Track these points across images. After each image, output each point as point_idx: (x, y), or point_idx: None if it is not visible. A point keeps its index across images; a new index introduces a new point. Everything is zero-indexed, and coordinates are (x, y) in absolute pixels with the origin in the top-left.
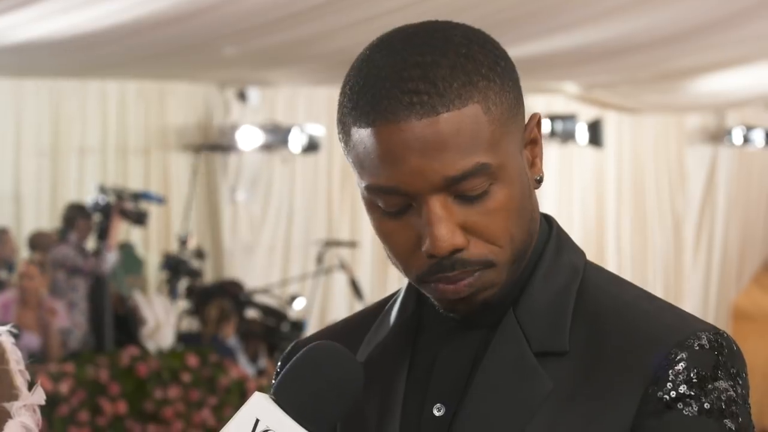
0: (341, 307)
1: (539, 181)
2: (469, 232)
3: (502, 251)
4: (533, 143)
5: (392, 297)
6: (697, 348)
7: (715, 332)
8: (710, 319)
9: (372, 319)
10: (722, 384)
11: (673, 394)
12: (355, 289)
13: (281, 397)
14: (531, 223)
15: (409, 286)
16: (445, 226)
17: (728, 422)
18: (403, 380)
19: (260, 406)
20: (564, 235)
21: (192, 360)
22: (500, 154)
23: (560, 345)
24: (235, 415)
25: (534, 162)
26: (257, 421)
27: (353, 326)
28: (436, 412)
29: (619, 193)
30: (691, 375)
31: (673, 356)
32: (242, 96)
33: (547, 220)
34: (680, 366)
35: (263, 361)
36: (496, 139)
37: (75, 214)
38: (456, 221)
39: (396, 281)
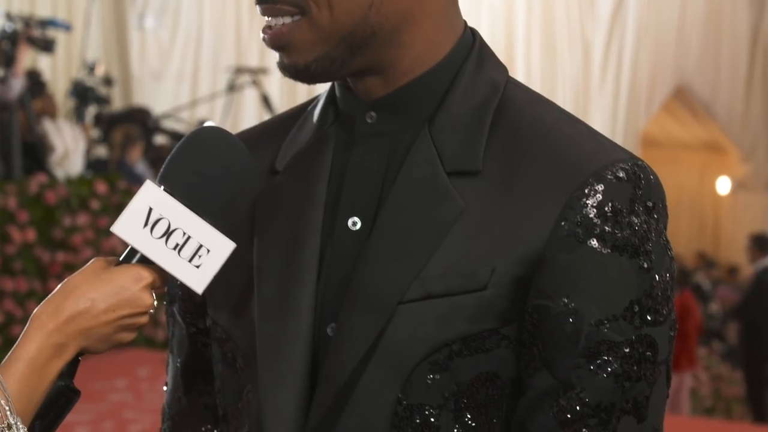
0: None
1: None
2: None
3: (319, 9)
4: None
5: (313, 101)
6: (614, 180)
7: (633, 163)
8: None
9: (291, 123)
10: (636, 219)
11: (587, 228)
12: (267, 104)
13: (169, 184)
14: (371, 12)
15: (329, 93)
16: None
17: (641, 259)
18: (323, 189)
19: (152, 194)
20: (487, 50)
21: (101, 187)
22: None
23: (473, 164)
24: (128, 206)
25: None
26: (150, 209)
27: (270, 132)
28: (351, 227)
29: (529, 17)
30: (606, 209)
31: (589, 187)
32: None
33: (473, 33)
34: (596, 198)
35: None
36: None
37: None
38: None
39: (305, 95)
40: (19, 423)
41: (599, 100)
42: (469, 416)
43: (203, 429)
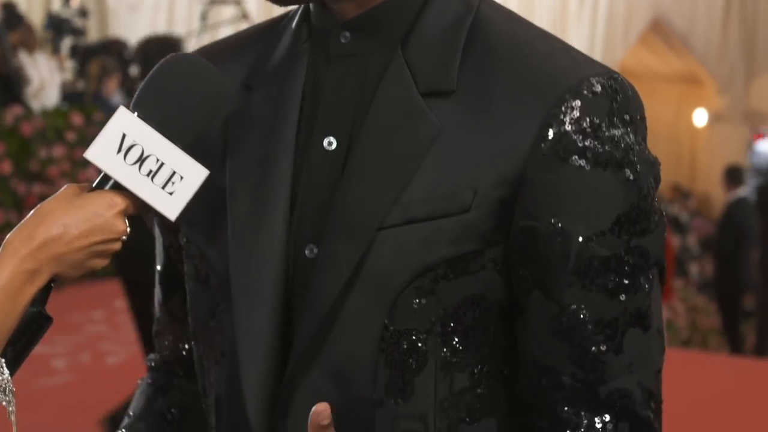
0: None
1: None
2: None
3: None
4: None
5: (286, 16)
6: (590, 95)
7: (609, 76)
8: None
9: (263, 37)
10: (617, 132)
11: (567, 145)
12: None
13: (143, 110)
14: None
15: (304, 9)
16: None
17: (626, 172)
18: (296, 109)
19: (125, 120)
20: None
21: (77, 119)
22: None
23: (447, 84)
24: (101, 131)
25: None
26: (123, 135)
27: (242, 45)
28: (327, 147)
29: None
30: (584, 124)
31: (565, 103)
32: None
33: None
34: (573, 114)
35: None
36: None
37: None
38: None
39: None
40: None
41: (576, 32)
42: (456, 339)
43: (183, 334)
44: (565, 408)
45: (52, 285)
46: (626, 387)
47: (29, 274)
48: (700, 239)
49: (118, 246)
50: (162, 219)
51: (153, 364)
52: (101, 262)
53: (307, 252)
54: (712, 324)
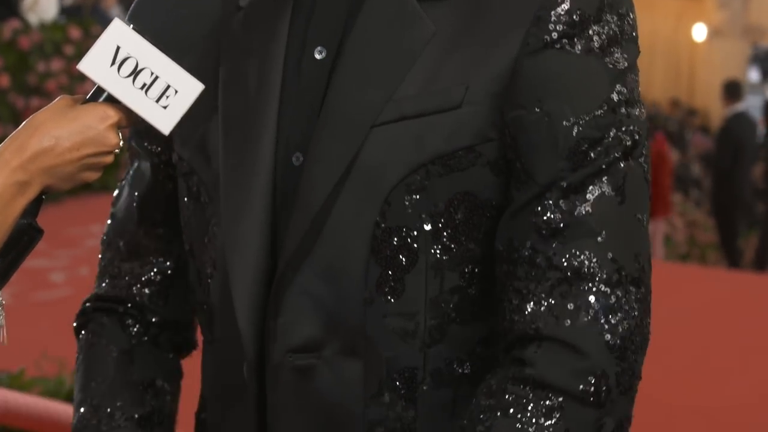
0: None
1: None
2: None
3: None
4: None
5: None
6: None
7: None
8: None
9: None
10: (605, 24)
11: (554, 35)
12: None
13: (138, 23)
14: None
15: None
16: None
17: (613, 59)
18: (286, 24)
19: (120, 32)
20: None
21: (75, 32)
22: None
23: None
24: (95, 43)
25: None
26: (118, 48)
27: None
28: (317, 56)
29: None
30: (574, 17)
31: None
32: None
33: None
34: (562, 8)
35: None
36: None
37: None
38: None
39: None
40: None
41: None
42: (446, 237)
43: (153, 259)
44: (518, 284)
45: (43, 197)
46: (588, 254)
47: (20, 186)
48: (699, 154)
49: (110, 159)
50: (151, 136)
51: (102, 301)
52: (93, 175)
53: (293, 160)
54: (711, 239)
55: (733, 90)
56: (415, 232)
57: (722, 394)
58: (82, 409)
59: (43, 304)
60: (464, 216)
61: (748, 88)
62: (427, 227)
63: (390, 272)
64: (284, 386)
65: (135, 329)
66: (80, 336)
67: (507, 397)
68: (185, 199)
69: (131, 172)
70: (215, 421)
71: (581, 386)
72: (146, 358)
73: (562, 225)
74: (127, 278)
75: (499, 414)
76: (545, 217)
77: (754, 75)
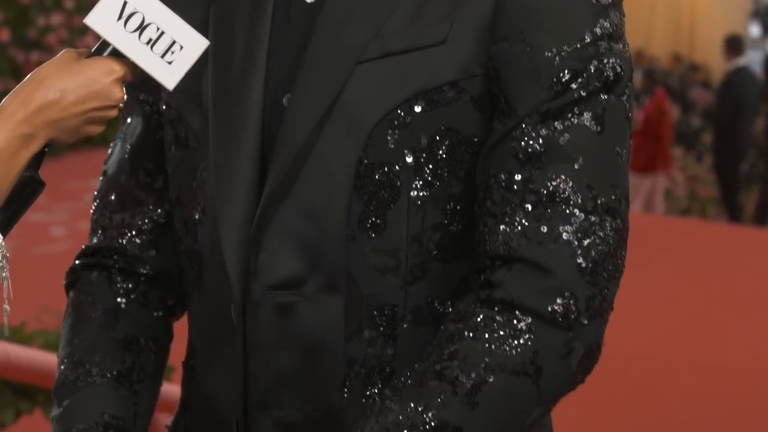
0: None
1: None
2: None
3: None
4: None
5: None
6: None
7: None
8: None
9: None
10: None
11: None
12: None
13: None
14: None
15: None
16: None
17: None
18: None
19: None
20: None
21: None
22: None
23: None
24: None
25: None
26: (124, 2)
27: None
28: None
29: None
30: None
31: None
32: None
33: None
34: None
35: None
36: None
37: None
38: None
39: None
40: None
41: None
42: (428, 173)
43: (144, 209)
44: (494, 208)
45: (46, 150)
46: (565, 179)
47: (24, 138)
48: (700, 109)
49: (114, 113)
50: (142, 86)
51: (92, 254)
52: (97, 129)
53: (284, 101)
54: (711, 194)
55: (734, 44)
56: (397, 168)
57: (722, 349)
58: (62, 366)
59: (44, 258)
60: (447, 152)
61: (749, 43)
62: (410, 162)
63: (372, 208)
64: (265, 323)
65: (123, 286)
66: (69, 294)
67: (475, 319)
68: (172, 147)
69: (125, 127)
70: (203, 367)
71: (550, 306)
72: (132, 316)
73: (539, 150)
74: (118, 228)
75: (467, 335)
76: (523, 143)
77: (755, 30)
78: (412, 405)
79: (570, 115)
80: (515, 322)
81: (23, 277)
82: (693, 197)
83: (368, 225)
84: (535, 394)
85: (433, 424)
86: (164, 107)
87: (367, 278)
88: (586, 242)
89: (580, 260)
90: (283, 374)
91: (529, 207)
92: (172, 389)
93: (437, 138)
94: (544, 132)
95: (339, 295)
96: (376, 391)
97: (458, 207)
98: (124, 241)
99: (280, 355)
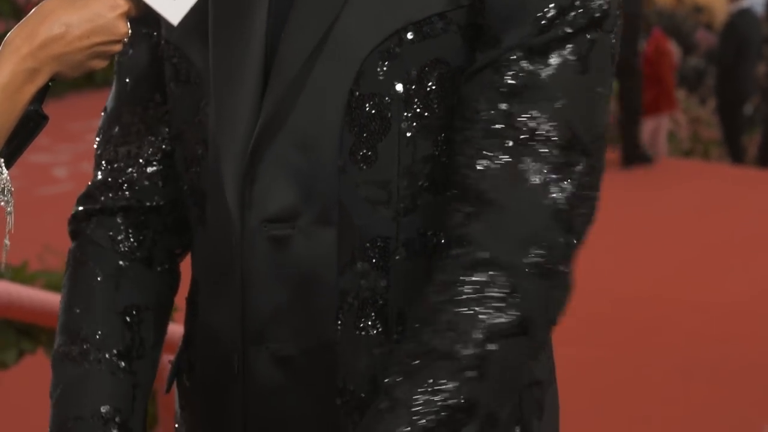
0: None
1: None
2: None
3: None
4: None
5: None
6: None
7: None
8: None
9: None
10: None
11: None
12: None
13: None
14: None
15: None
16: None
17: None
18: None
19: None
20: None
21: None
22: None
23: None
24: None
25: None
26: None
27: None
28: None
29: None
30: None
31: None
32: None
33: None
34: None
35: None
36: None
37: None
38: None
39: None
40: None
41: None
42: (419, 104)
43: (150, 139)
44: (473, 140)
45: (50, 84)
46: (544, 117)
47: (29, 73)
48: (703, 51)
49: (119, 48)
50: (145, 21)
51: (98, 194)
52: (101, 63)
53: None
54: (714, 135)
55: None
56: (388, 99)
57: (723, 290)
58: (62, 335)
59: (46, 199)
60: (436, 83)
61: None
62: (400, 94)
63: (363, 140)
64: (261, 256)
65: (127, 243)
66: (72, 245)
67: (460, 288)
68: (171, 84)
69: (123, 61)
70: (206, 303)
71: (526, 259)
72: (133, 280)
73: (521, 85)
74: (124, 160)
75: (456, 308)
76: (505, 77)
77: None
78: (420, 392)
79: (554, 52)
80: (498, 283)
81: (26, 217)
82: (696, 139)
83: (359, 157)
84: (529, 348)
85: (448, 403)
86: (162, 43)
87: (359, 210)
88: (563, 184)
89: (555, 203)
90: (278, 307)
91: (510, 143)
92: (175, 329)
93: (426, 69)
94: (527, 67)
95: (332, 228)
96: (369, 323)
97: (448, 137)
98: (132, 171)
99: (275, 289)
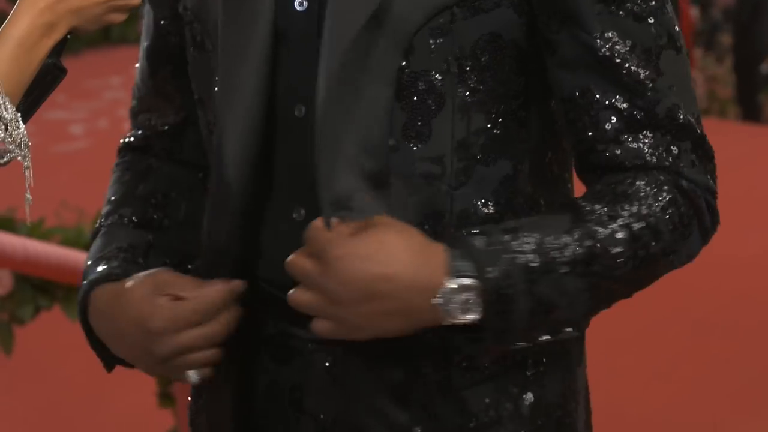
0: None
1: None
2: None
3: None
4: None
5: None
6: None
7: None
8: None
9: None
10: None
11: None
12: None
13: None
14: None
15: None
16: None
17: None
18: None
19: None
20: None
21: None
22: None
23: None
24: None
25: None
26: None
27: None
28: None
29: None
30: None
31: None
32: None
33: None
34: None
35: None
36: None
37: None
38: None
39: None
40: (7, 102)
41: None
42: (473, 79)
43: (168, 111)
44: (626, 137)
45: (69, 37)
46: (677, 105)
47: (47, 27)
48: (721, 8)
49: (137, 2)
50: None
51: (130, 140)
52: (119, 17)
53: (296, 5)
54: (730, 94)
55: None
56: (441, 76)
57: (739, 246)
58: (100, 219)
59: (62, 156)
60: (489, 57)
61: None
62: (453, 70)
63: (416, 117)
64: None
65: (164, 149)
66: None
67: (617, 188)
68: (191, 49)
69: (146, 22)
70: (205, 270)
71: (669, 160)
72: (162, 174)
73: (637, 81)
74: (142, 129)
75: (617, 203)
76: (624, 71)
77: None
78: (615, 207)
79: (652, 43)
80: (653, 178)
81: (42, 174)
82: (712, 97)
83: (413, 134)
84: (677, 254)
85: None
86: (182, 8)
87: (413, 186)
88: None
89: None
90: None
91: (653, 133)
92: None
93: (480, 44)
94: (636, 62)
95: (385, 205)
96: None
97: (501, 107)
98: (154, 134)
99: None
